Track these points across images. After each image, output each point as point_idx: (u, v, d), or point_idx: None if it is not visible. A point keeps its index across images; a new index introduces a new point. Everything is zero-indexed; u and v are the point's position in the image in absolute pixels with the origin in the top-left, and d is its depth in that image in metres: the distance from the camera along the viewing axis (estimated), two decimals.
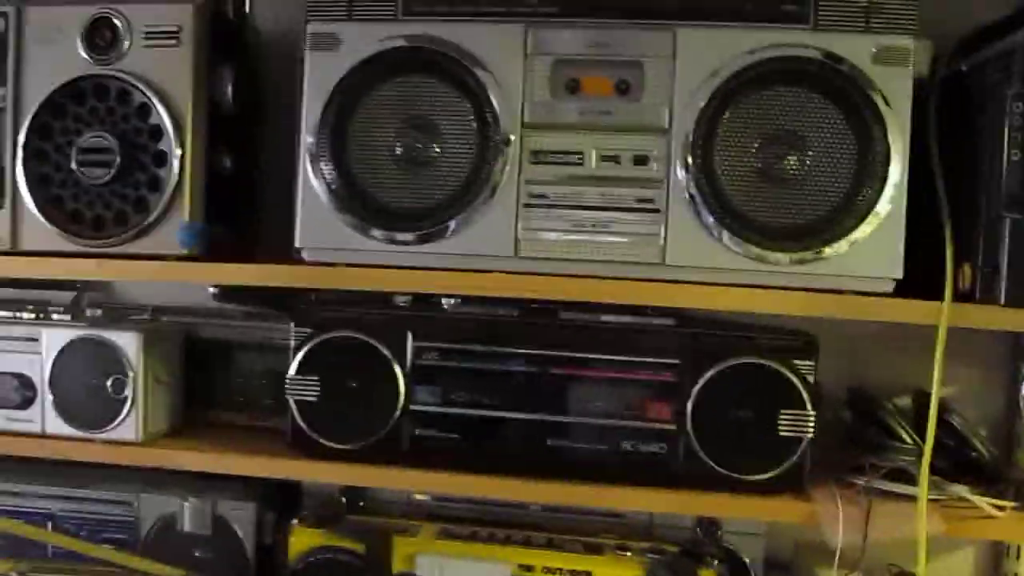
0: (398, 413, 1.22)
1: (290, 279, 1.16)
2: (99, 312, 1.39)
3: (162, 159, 1.19)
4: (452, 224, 1.14)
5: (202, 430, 1.39)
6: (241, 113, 1.29)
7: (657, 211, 1.11)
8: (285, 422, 1.30)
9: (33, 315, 1.36)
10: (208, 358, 1.42)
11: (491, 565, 1.21)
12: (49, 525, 1.35)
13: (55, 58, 1.22)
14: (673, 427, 1.18)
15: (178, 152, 1.19)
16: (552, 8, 1.14)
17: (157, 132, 1.19)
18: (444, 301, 1.26)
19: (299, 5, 1.21)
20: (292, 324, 1.24)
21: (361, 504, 1.35)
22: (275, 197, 1.41)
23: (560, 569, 1.20)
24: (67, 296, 1.54)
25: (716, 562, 1.21)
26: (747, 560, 1.29)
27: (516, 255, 1.13)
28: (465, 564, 1.22)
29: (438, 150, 1.15)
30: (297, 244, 1.17)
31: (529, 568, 1.21)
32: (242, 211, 1.35)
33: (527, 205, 1.13)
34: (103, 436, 1.29)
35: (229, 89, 1.25)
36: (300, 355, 1.23)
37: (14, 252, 1.24)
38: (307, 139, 1.16)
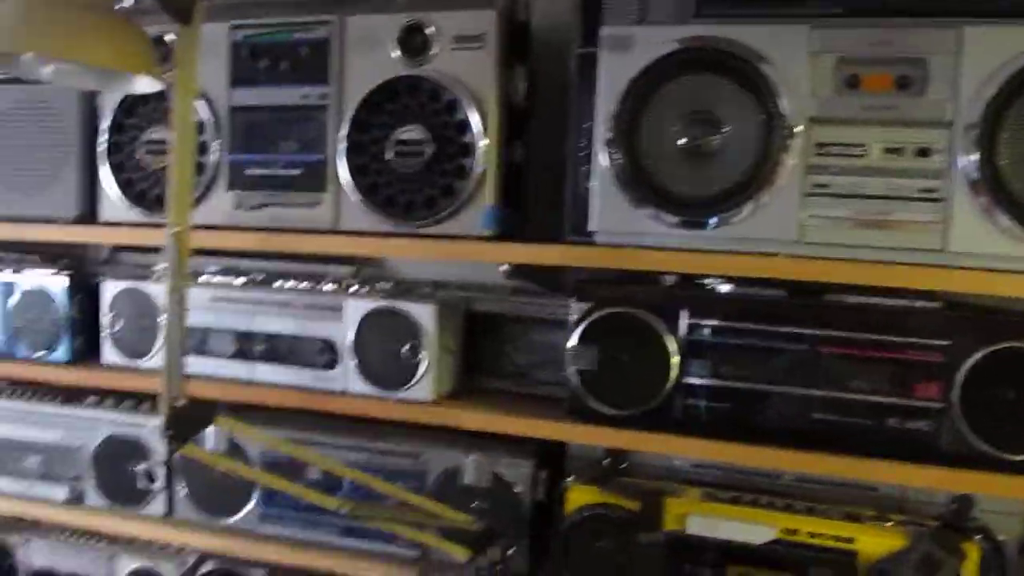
0: (671, 384, 1.32)
1: (593, 260, 1.28)
2: (388, 285, 1.55)
3: (468, 150, 1.33)
4: (737, 211, 1.23)
5: (478, 395, 1.53)
6: (526, 106, 1.41)
7: (940, 200, 1.17)
8: (553, 389, 1.43)
9: (335, 287, 1.53)
10: (482, 329, 1.57)
11: (757, 527, 1.31)
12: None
13: (372, 61, 1.38)
14: (940, 406, 1.23)
15: (483, 144, 1.33)
16: (837, 8, 1.21)
17: (463, 126, 1.33)
18: (710, 281, 1.35)
19: (563, 3, 1.32)
20: (573, 299, 1.36)
21: (623, 466, 1.46)
22: (538, 182, 1.53)
23: (823, 534, 1.28)
24: (346, 270, 1.73)
25: (978, 537, 1.26)
26: (1002, 538, 1.33)
27: (799, 241, 1.22)
28: (733, 525, 1.31)
29: (723, 142, 1.24)
30: (591, 227, 1.29)
31: (793, 532, 1.30)
32: (522, 196, 1.48)
33: (810, 194, 1.21)
34: (398, 396, 1.46)
35: (522, 86, 1.37)
36: (581, 328, 1.35)
37: (335, 232, 1.41)
38: (601, 131, 1.27)
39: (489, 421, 1.42)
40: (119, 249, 1.92)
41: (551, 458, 1.50)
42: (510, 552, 1.39)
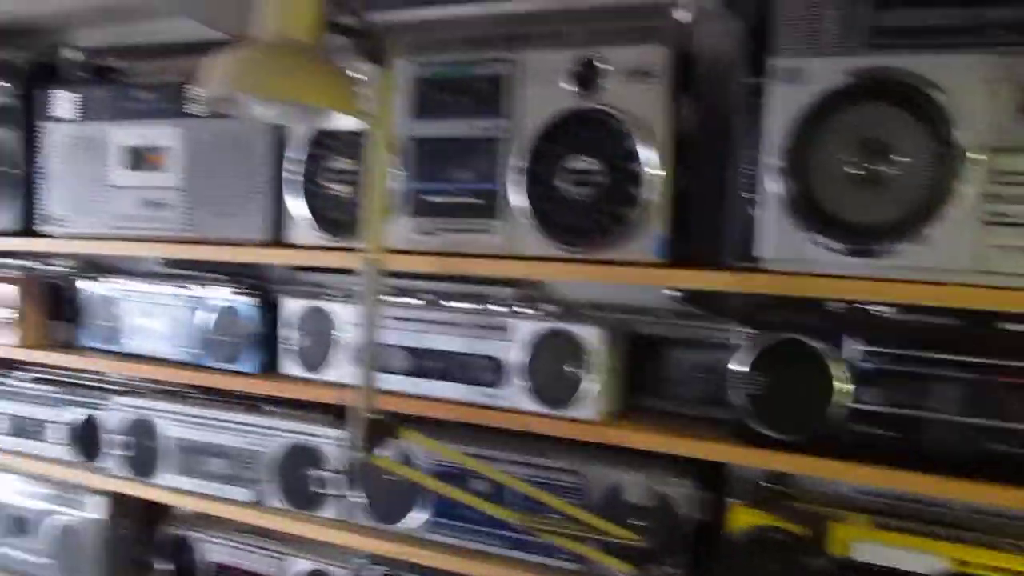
0: (838, 409, 1.33)
1: (763, 286, 1.31)
2: (554, 307, 1.62)
3: (638, 179, 1.39)
4: (909, 239, 1.24)
5: (639, 414, 1.58)
6: (693, 136, 1.46)
7: None
8: (710, 410, 1.47)
9: (503, 308, 1.61)
10: (641, 351, 1.61)
11: (926, 557, 1.30)
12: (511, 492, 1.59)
13: (546, 95, 1.45)
14: None
15: (653, 173, 1.38)
16: (1014, 36, 1.20)
17: (635, 156, 1.39)
18: (877, 307, 1.36)
19: (722, 34, 1.38)
20: (738, 324, 1.39)
21: (783, 490, 1.48)
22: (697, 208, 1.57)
23: (998, 568, 1.26)
24: (508, 292, 1.80)
25: None
26: None
27: (975, 269, 1.21)
28: (902, 553, 1.31)
29: (896, 171, 1.25)
30: (760, 254, 1.32)
31: (966, 564, 1.28)
32: (688, 223, 1.52)
33: (987, 223, 1.21)
34: (563, 414, 1.52)
35: (690, 117, 1.42)
36: (747, 353, 1.38)
37: (507, 256, 1.49)
38: (770, 159, 1.30)
39: (655, 441, 1.46)
40: (298, 270, 2.06)
41: (707, 479, 1.52)
42: (672, 571, 1.43)
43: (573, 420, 1.51)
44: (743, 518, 1.41)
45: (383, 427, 1.27)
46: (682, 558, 1.47)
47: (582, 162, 1.42)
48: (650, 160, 1.38)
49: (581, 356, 1.49)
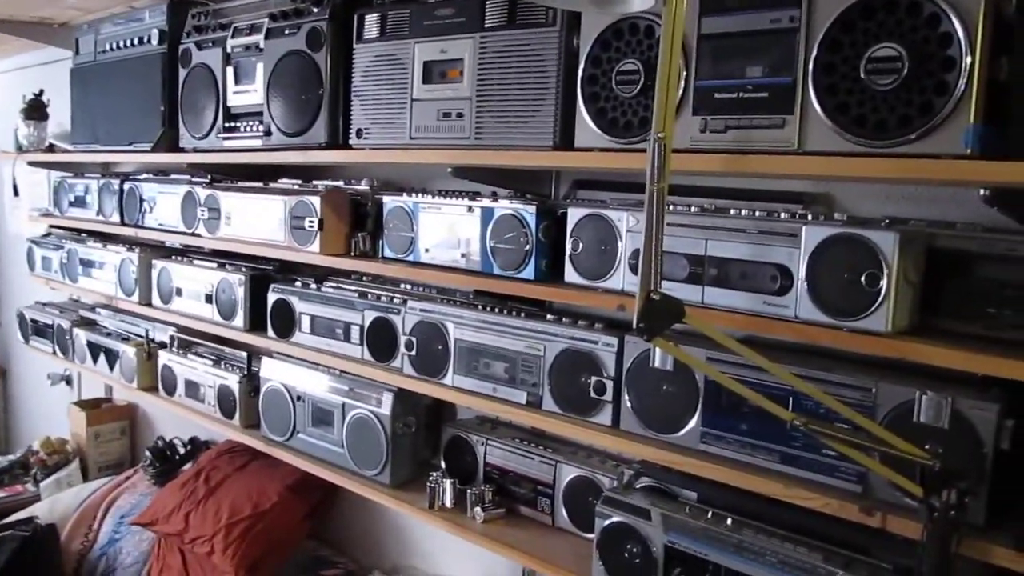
0: None
1: None
2: (844, 216, 1.53)
3: (950, 65, 1.27)
4: None
5: (937, 334, 1.45)
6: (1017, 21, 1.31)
7: None
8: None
9: (790, 215, 1.54)
10: (943, 268, 1.48)
11: None
12: (790, 401, 1.53)
13: None
14: None
15: (968, 59, 1.26)
16: None
17: (947, 40, 1.27)
18: None
19: None
20: None
21: None
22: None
23: None
24: (793, 208, 1.72)
25: None
26: None
27: None
28: None
29: None
30: None
31: None
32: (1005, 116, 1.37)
33: None
34: (851, 325, 1.43)
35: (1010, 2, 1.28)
36: None
37: (798, 152, 1.42)
38: None
39: (957, 358, 1.33)
40: (579, 185, 2.09)
41: (1014, 407, 1.38)
42: (967, 499, 1.32)
43: (860, 331, 1.42)
44: None
45: (667, 308, 1.26)
46: (981, 487, 1.35)
47: (886, 49, 1.32)
48: (964, 44, 1.26)
49: (873, 264, 1.39)
